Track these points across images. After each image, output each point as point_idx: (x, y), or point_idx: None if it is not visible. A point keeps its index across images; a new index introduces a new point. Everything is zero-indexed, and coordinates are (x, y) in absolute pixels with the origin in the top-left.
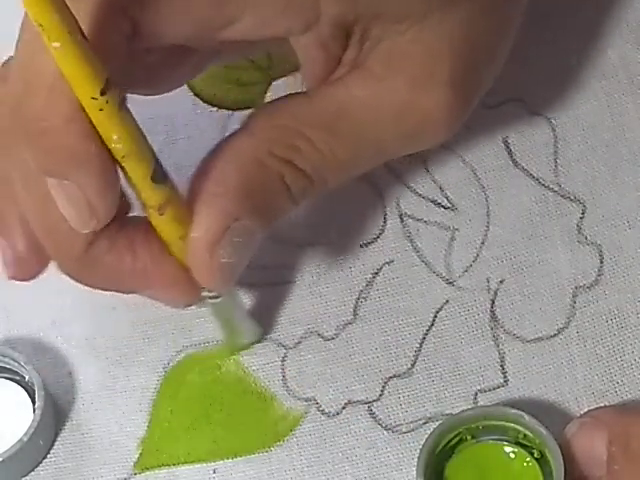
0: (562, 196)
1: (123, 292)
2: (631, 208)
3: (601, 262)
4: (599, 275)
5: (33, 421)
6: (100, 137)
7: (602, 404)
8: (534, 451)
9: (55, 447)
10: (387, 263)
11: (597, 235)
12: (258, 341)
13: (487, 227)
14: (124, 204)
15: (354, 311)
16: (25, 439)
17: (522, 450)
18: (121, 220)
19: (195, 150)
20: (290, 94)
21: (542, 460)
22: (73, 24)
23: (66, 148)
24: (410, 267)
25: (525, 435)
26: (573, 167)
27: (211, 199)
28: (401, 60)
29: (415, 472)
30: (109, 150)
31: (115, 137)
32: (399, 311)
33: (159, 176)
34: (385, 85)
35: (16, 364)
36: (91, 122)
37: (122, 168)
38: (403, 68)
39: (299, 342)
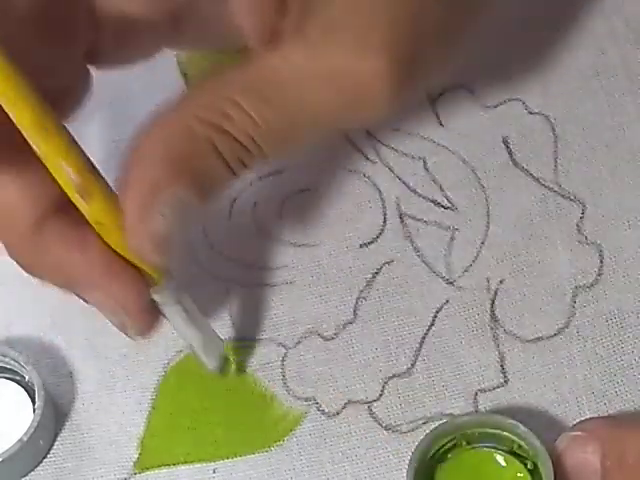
0: (562, 196)
1: (68, 288)
2: (631, 208)
3: (601, 262)
4: (599, 275)
5: (33, 421)
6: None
7: (602, 404)
8: (527, 462)
9: (55, 447)
10: (387, 263)
11: (597, 235)
12: (221, 355)
13: (487, 227)
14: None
15: (354, 311)
16: (25, 439)
17: (516, 460)
18: (74, 213)
19: None
20: (227, 65)
21: (535, 472)
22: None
23: None
24: (410, 267)
25: (520, 445)
26: (573, 167)
27: (136, 169)
28: (338, 27)
29: (406, 474)
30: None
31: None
32: (399, 311)
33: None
34: (320, 51)
35: (16, 364)
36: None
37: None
38: (340, 35)
39: (299, 342)
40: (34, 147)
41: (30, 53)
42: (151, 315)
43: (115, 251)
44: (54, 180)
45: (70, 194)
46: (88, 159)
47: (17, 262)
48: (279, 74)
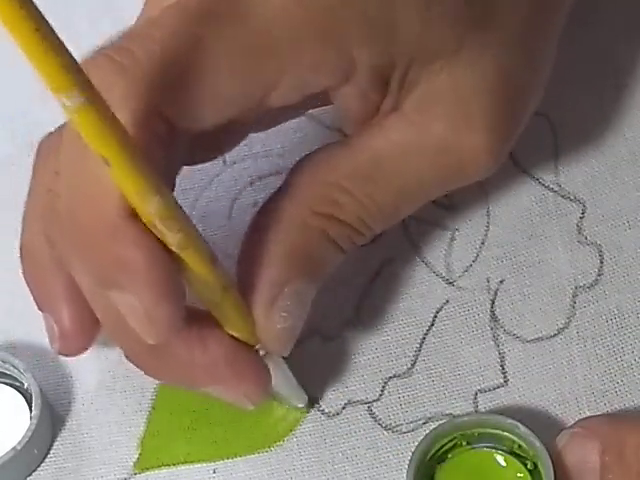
0: (562, 196)
1: (195, 387)
2: (631, 208)
3: (601, 262)
4: (599, 275)
5: (28, 430)
6: (154, 240)
7: (602, 404)
8: (528, 462)
9: (55, 447)
10: (387, 263)
11: (597, 235)
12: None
13: (487, 227)
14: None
15: (354, 311)
16: (19, 448)
17: (516, 460)
18: (191, 311)
19: None
20: (327, 145)
21: (535, 472)
22: (125, 134)
23: (116, 258)
24: (410, 267)
25: (520, 445)
26: (573, 167)
27: (258, 268)
28: (436, 102)
29: (406, 474)
30: (166, 252)
31: (177, 233)
32: (399, 311)
33: (216, 259)
34: (421, 129)
35: (16, 371)
36: (143, 227)
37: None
38: (438, 110)
39: (299, 342)
40: (174, 237)
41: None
42: (269, 384)
43: (232, 339)
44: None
45: (205, 266)
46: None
47: (138, 367)
48: (382, 155)
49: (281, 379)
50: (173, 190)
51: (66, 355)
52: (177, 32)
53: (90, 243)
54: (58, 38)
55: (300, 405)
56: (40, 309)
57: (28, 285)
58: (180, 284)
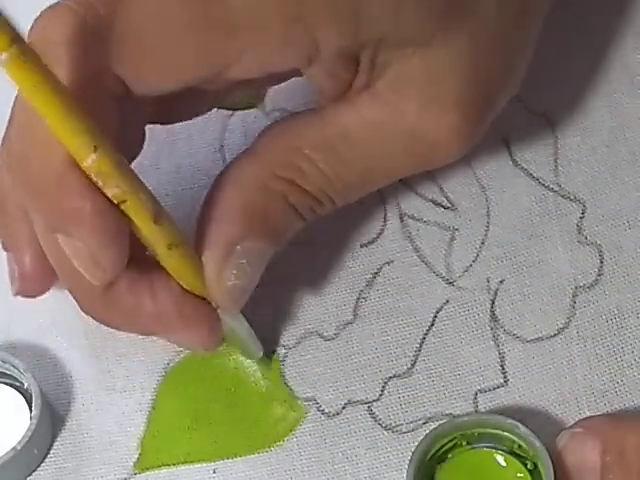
0: (562, 196)
1: (145, 334)
2: (631, 208)
3: (601, 262)
4: (599, 275)
5: (28, 430)
6: (97, 190)
7: (602, 404)
8: (528, 462)
9: (55, 447)
10: (387, 263)
11: (597, 235)
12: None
13: (487, 227)
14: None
15: (354, 311)
16: (19, 448)
17: (516, 460)
18: (140, 261)
19: (195, 150)
20: (298, 112)
21: (535, 472)
22: (56, 85)
23: (62, 207)
24: (410, 267)
25: (520, 445)
26: (573, 167)
27: (214, 225)
28: (409, 84)
29: (406, 474)
30: (109, 201)
31: (113, 188)
32: (399, 311)
33: (160, 217)
34: (393, 108)
35: (16, 371)
36: (86, 175)
37: (124, 214)
38: (411, 92)
39: (299, 342)
40: (110, 191)
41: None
42: (220, 334)
43: (183, 289)
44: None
45: (145, 223)
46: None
47: (90, 316)
48: (351, 129)
49: (237, 330)
50: (142, 144)
51: (24, 296)
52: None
53: (39, 190)
54: None
55: (256, 354)
56: (4, 249)
57: None
58: (122, 231)
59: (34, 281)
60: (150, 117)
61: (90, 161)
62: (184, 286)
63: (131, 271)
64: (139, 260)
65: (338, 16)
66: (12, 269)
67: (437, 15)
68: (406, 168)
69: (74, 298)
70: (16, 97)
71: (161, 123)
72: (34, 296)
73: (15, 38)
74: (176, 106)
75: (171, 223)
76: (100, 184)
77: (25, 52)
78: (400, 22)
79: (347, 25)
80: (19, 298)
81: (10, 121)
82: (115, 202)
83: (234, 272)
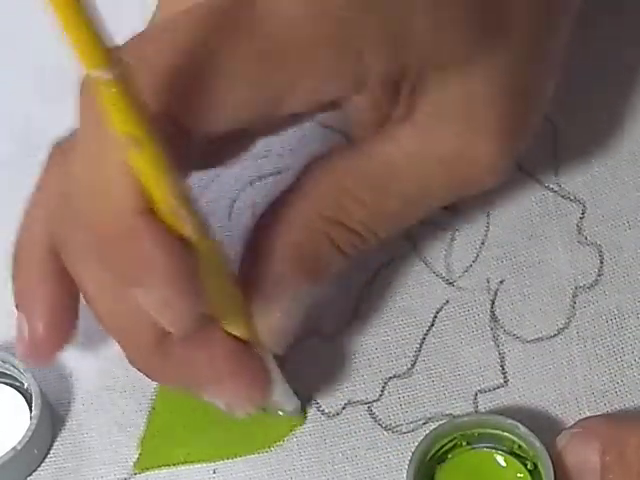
0: (562, 196)
1: (195, 387)
2: (631, 208)
3: (601, 262)
4: (599, 275)
5: (28, 430)
6: (171, 237)
7: (602, 404)
8: (528, 462)
9: (55, 447)
10: (387, 263)
11: (597, 235)
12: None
13: (487, 227)
14: None
15: (354, 311)
16: (19, 447)
17: (516, 461)
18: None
19: None
20: (339, 148)
21: (535, 472)
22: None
23: (135, 257)
24: (410, 267)
25: (520, 446)
26: (573, 167)
27: (262, 262)
28: (447, 110)
29: (406, 474)
30: (183, 247)
31: (188, 228)
32: (399, 311)
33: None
34: (432, 137)
35: (16, 371)
36: (160, 223)
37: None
38: (449, 118)
39: (299, 342)
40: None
41: None
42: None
43: (234, 339)
44: None
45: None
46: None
47: (143, 372)
48: (393, 163)
49: (275, 383)
50: None
51: (27, 361)
52: (191, 36)
53: (108, 242)
54: (92, 13)
55: (291, 410)
56: (17, 308)
57: (13, 282)
58: (198, 277)
59: (43, 347)
60: (197, 163)
61: (172, 201)
62: (236, 333)
63: None
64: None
65: (385, 40)
66: (22, 330)
67: (474, 36)
68: (447, 197)
69: (125, 354)
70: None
71: (206, 168)
72: (40, 364)
73: (117, 57)
74: (224, 148)
75: (230, 273)
76: (180, 220)
77: (126, 73)
78: (439, 44)
79: (394, 49)
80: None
81: (48, 174)
82: (190, 239)
83: (280, 313)
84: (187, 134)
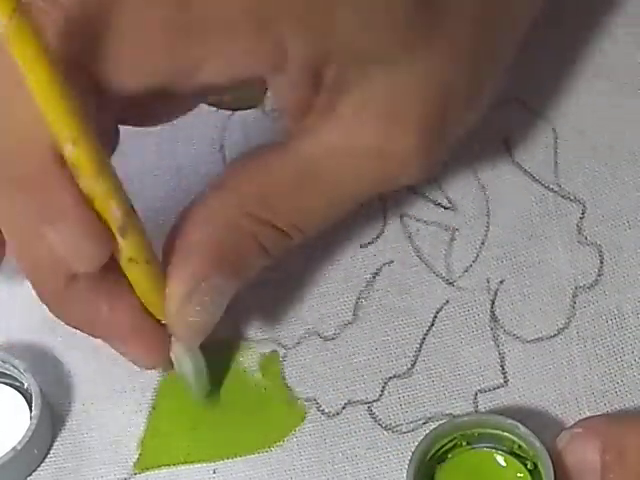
0: (562, 196)
1: (96, 337)
2: (631, 208)
3: (601, 262)
4: (599, 275)
5: (28, 430)
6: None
7: (602, 404)
8: (528, 462)
9: (55, 447)
10: (387, 263)
11: (597, 235)
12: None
13: (487, 227)
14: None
15: (354, 311)
16: (19, 447)
17: (516, 460)
18: (105, 267)
19: (195, 151)
20: (263, 146)
21: (535, 472)
22: (53, 64)
23: (49, 200)
24: (410, 267)
25: (520, 446)
26: (573, 167)
27: (181, 258)
28: (370, 105)
29: (406, 474)
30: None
31: (86, 183)
32: (399, 311)
33: (126, 229)
34: (355, 131)
35: (16, 371)
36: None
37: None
38: (372, 114)
39: (299, 342)
40: (85, 188)
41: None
42: (166, 358)
43: (140, 305)
44: None
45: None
46: (129, 199)
47: (49, 309)
48: (317, 158)
49: (186, 364)
50: (113, 144)
51: None
52: None
53: (22, 181)
54: None
55: (196, 397)
56: None
57: None
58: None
59: None
60: (121, 117)
61: (67, 152)
62: (142, 302)
63: (95, 277)
64: (110, 265)
65: (306, 25)
66: None
67: (407, 35)
68: (372, 190)
69: (34, 287)
70: None
71: (133, 124)
72: None
73: (17, 7)
74: (149, 108)
75: (139, 236)
76: (76, 176)
77: (28, 22)
78: (366, 38)
79: (314, 35)
80: (19, 299)
81: None
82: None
83: (197, 308)
84: (99, 87)
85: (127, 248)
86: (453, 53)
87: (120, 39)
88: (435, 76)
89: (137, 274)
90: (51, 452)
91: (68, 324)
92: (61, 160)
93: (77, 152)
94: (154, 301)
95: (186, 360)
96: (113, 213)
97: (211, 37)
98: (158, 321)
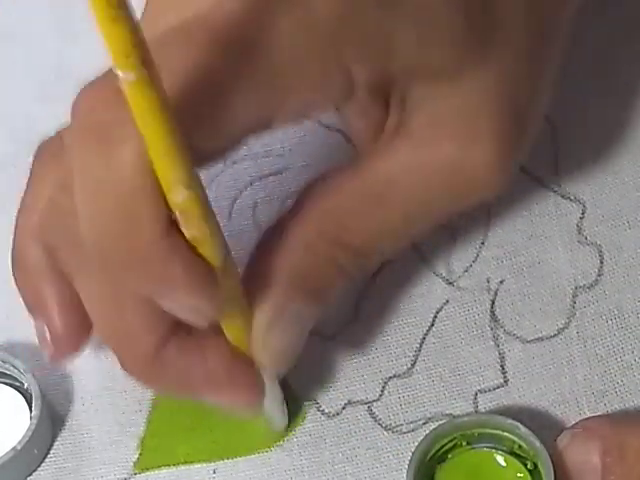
0: (562, 196)
1: (194, 397)
2: (631, 208)
3: (601, 262)
4: (599, 275)
5: (28, 430)
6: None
7: (602, 404)
8: (528, 462)
9: (55, 447)
10: (387, 263)
11: (597, 235)
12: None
13: (487, 227)
14: None
15: (354, 311)
16: (19, 448)
17: (516, 460)
18: (191, 330)
19: None
20: (337, 167)
21: (535, 472)
22: (171, 116)
23: (154, 274)
24: (410, 267)
25: (520, 446)
26: (573, 167)
27: (263, 285)
28: (442, 121)
29: (406, 474)
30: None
31: (194, 230)
32: (399, 311)
33: (225, 270)
34: (430, 149)
35: (16, 371)
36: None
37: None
38: (445, 130)
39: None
40: (191, 233)
41: None
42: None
43: (232, 350)
44: None
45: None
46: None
47: (138, 380)
48: (393, 177)
49: (269, 398)
50: None
51: (57, 360)
52: (205, 50)
53: (132, 261)
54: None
55: (278, 429)
56: (31, 314)
57: (20, 291)
58: (212, 275)
59: (68, 343)
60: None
61: (181, 197)
62: (231, 342)
63: (181, 332)
64: (193, 331)
65: (369, 51)
66: (41, 332)
67: (464, 47)
68: (447, 206)
69: (122, 363)
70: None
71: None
72: (68, 357)
73: (145, 60)
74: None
75: (235, 275)
76: (182, 223)
77: (153, 76)
78: (427, 55)
79: (377, 59)
80: (19, 299)
81: (36, 180)
82: (194, 243)
83: (282, 335)
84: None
85: (226, 289)
86: (513, 56)
87: (222, 107)
88: (500, 85)
89: (232, 313)
90: (51, 452)
91: (164, 391)
92: (168, 230)
93: (190, 196)
94: (244, 337)
95: (270, 392)
96: (217, 255)
97: (282, 80)
98: (247, 361)
